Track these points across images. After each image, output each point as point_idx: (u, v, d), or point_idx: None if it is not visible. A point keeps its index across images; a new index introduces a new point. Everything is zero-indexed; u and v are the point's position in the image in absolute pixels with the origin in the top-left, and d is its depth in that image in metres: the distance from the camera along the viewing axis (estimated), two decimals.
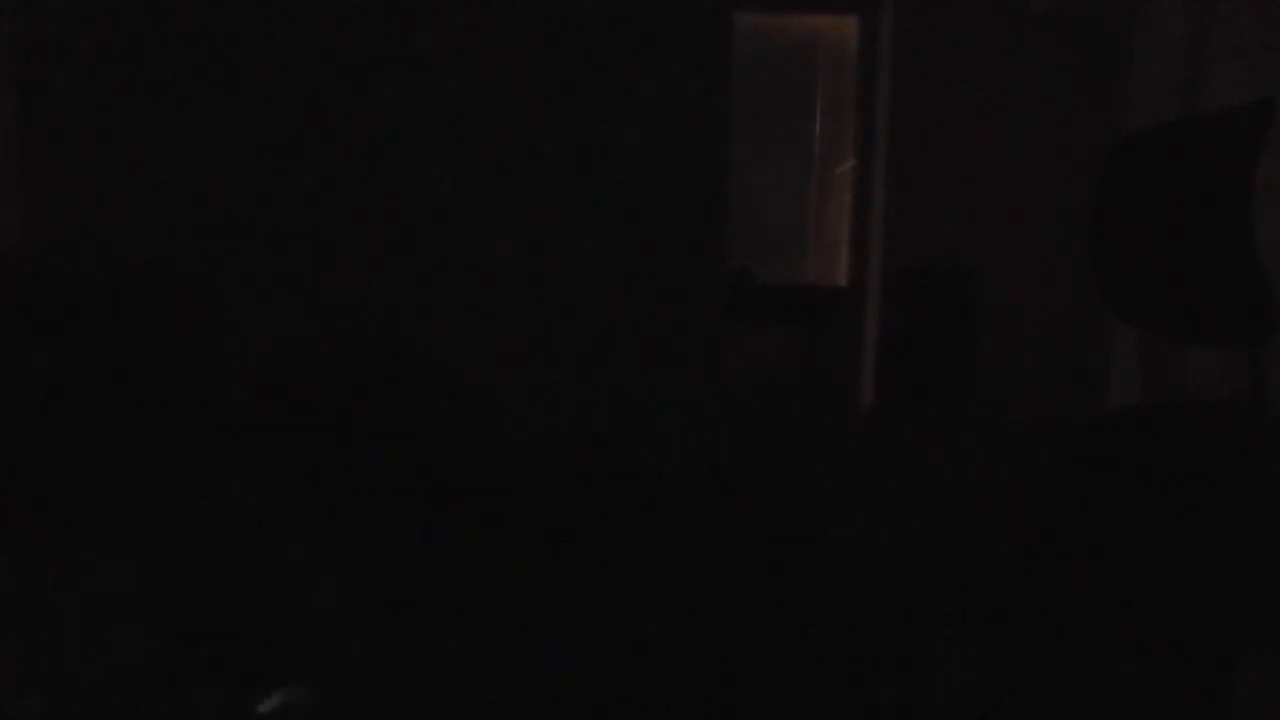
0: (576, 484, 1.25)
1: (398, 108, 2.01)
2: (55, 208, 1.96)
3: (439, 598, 1.18)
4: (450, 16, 2.00)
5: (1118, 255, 1.08)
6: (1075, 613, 1.00)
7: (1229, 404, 0.97)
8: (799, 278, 3.94)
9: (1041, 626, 1.02)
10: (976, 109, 3.66)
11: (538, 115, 2.04)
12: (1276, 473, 0.92)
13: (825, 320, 3.69)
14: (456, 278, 2.04)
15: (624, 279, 2.07)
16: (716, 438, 2.09)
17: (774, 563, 1.20)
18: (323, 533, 1.18)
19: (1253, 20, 2.80)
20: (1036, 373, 3.72)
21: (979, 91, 3.66)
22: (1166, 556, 0.96)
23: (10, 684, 1.38)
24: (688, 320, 2.08)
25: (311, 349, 1.19)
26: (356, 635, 1.19)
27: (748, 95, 3.84)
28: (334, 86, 1.99)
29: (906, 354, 2.86)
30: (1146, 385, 3.28)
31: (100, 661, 1.41)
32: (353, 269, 2.02)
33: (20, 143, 1.94)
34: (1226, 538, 0.94)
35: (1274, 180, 2.59)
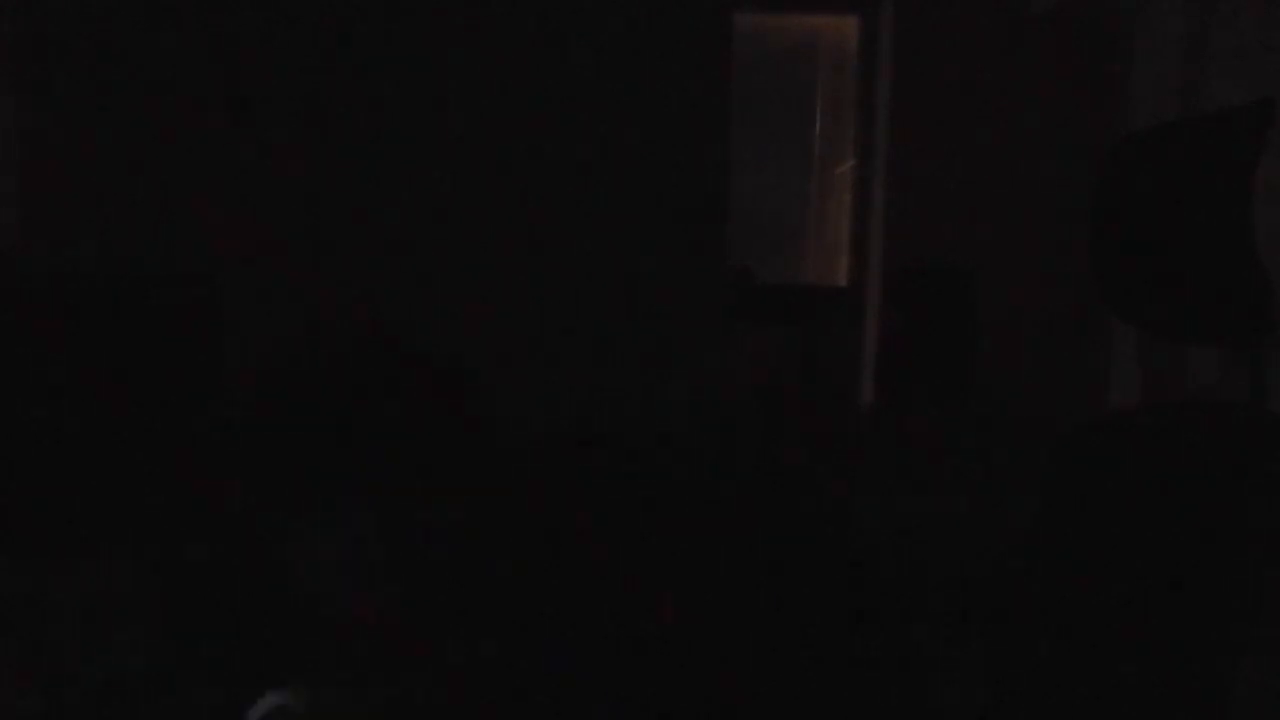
0: (576, 483, 1.25)
1: (398, 108, 2.01)
2: (55, 208, 1.96)
3: (439, 597, 1.18)
4: (451, 17, 2.00)
5: (1118, 255, 1.08)
6: (1075, 613, 1.00)
7: (1229, 404, 0.97)
8: (799, 278, 3.94)
9: (1042, 626, 1.02)
10: (976, 109, 3.66)
11: (538, 115, 2.04)
12: (1276, 473, 0.92)
13: (825, 320, 3.69)
14: (456, 277, 2.04)
15: (624, 279, 2.07)
16: (716, 438, 2.09)
17: (774, 562, 1.20)
18: (323, 530, 1.18)
19: (1253, 20, 2.80)
20: (1036, 373, 3.72)
21: (979, 91, 3.66)
22: (1166, 556, 0.96)
23: (10, 684, 1.38)
24: (688, 320, 2.08)
25: (315, 341, 1.19)
26: (356, 635, 1.19)
27: (748, 95, 3.84)
28: (334, 86, 1.99)
29: (906, 354, 2.86)
30: (1146, 385, 3.28)
31: (100, 661, 1.41)
32: (352, 269, 2.02)
33: (20, 143, 1.94)
34: (1226, 538, 0.94)
35: (1274, 180, 2.59)
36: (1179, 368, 3.13)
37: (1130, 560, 0.97)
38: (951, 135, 3.67)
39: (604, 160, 2.05)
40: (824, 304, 3.29)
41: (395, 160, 2.02)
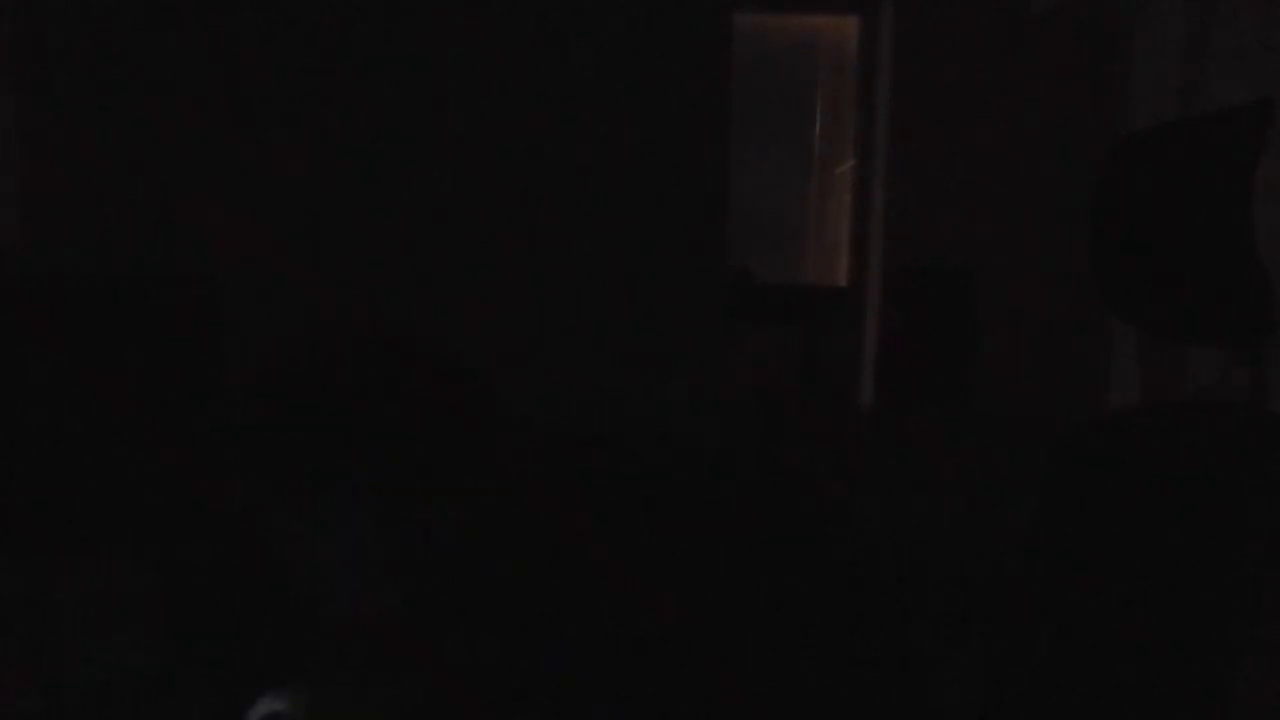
0: (576, 483, 1.25)
1: (398, 108, 2.01)
2: (55, 208, 1.96)
3: (439, 597, 1.18)
4: (451, 17, 2.00)
5: (1118, 255, 1.08)
6: (1075, 613, 1.00)
7: (1229, 404, 0.97)
8: (799, 278, 3.94)
9: (1042, 626, 1.02)
10: (976, 109, 3.66)
11: (538, 115, 2.04)
12: (1276, 473, 0.92)
13: (825, 320, 3.69)
14: (456, 277, 2.04)
15: (624, 279, 2.07)
16: (716, 438, 2.09)
17: (774, 562, 1.20)
18: (323, 530, 1.18)
19: (1253, 20, 2.80)
20: (1036, 373, 3.72)
21: (979, 91, 3.66)
22: (1166, 556, 0.96)
23: (10, 684, 1.38)
24: (688, 320, 2.08)
25: (315, 340, 1.19)
26: (356, 635, 1.19)
27: (748, 95, 3.84)
28: (334, 87, 1.99)
29: (906, 354, 2.86)
30: (1146, 385, 3.28)
31: (100, 661, 1.41)
32: (352, 269, 2.02)
33: (20, 143, 1.94)
34: (1226, 538, 0.94)
35: (1274, 180, 2.59)
36: (1179, 368, 3.13)
37: (1130, 560, 0.97)
38: (951, 135, 3.67)
39: (604, 160, 2.05)
40: (824, 304, 3.29)
41: (395, 160, 2.02)
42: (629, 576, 1.16)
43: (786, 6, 3.77)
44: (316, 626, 1.23)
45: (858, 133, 3.83)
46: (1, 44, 1.93)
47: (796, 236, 3.92)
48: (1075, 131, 3.67)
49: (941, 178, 3.68)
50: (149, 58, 1.95)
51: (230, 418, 1.51)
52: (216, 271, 1.99)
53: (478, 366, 1.25)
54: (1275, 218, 2.59)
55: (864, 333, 3.90)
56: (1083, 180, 3.69)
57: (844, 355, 3.89)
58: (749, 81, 3.82)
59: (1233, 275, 0.97)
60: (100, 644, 1.43)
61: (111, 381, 1.47)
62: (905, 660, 1.19)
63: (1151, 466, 0.96)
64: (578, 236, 2.06)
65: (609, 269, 2.07)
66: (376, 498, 1.15)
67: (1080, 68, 3.64)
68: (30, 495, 1.45)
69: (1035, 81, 3.65)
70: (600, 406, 2.06)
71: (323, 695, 1.15)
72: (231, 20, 1.96)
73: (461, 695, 1.15)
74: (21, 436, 1.45)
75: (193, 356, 1.49)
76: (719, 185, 2.07)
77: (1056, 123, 3.67)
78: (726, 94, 2.07)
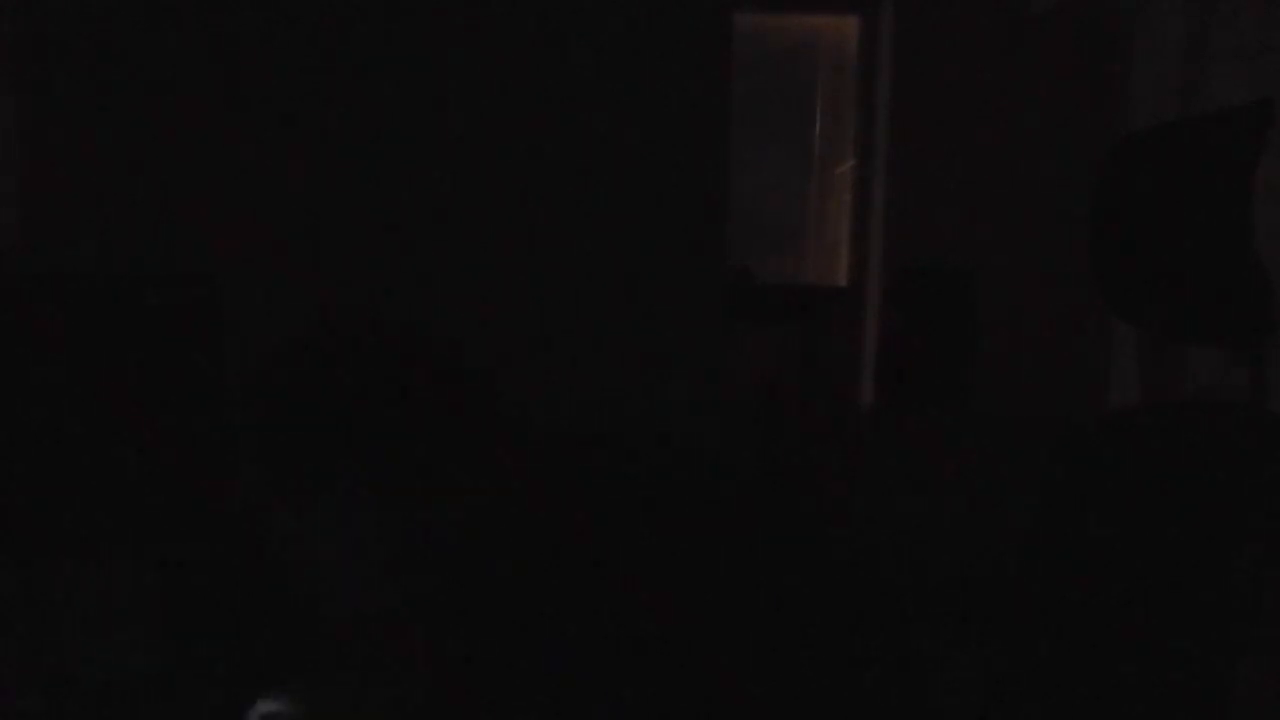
0: (575, 483, 1.25)
1: (397, 107, 2.01)
2: (55, 208, 1.96)
3: (439, 597, 1.18)
4: (450, 16, 2.00)
5: (1118, 255, 1.08)
6: (1075, 613, 1.00)
7: (1229, 404, 0.97)
8: (799, 278, 3.94)
9: (1041, 627, 1.02)
10: (976, 109, 3.66)
11: (538, 115, 2.04)
12: (1276, 473, 0.92)
13: (825, 320, 3.69)
14: (455, 277, 2.04)
15: (624, 279, 2.07)
16: (716, 438, 2.09)
17: (773, 562, 1.20)
18: (323, 530, 1.18)
19: (1253, 20, 2.80)
20: (1036, 373, 3.72)
21: (979, 91, 3.66)
22: (1167, 557, 0.96)
23: (10, 684, 1.38)
24: (688, 320, 2.08)
25: (316, 338, 1.19)
26: (356, 635, 1.19)
27: (748, 95, 3.84)
28: (334, 86, 1.99)
29: (906, 354, 2.86)
30: (1146, 385, 3.28)
31: (100, 661, 1.41)
32: (352, 270, 2.02)
33: (20, 143, 1.94)
34: (1226, 538, 0.94)
35: (1274, 180, 2.59)
36: (1179, 368, 3.13)
37: (1130, 560, 0.97)
38: (951, 135, 3.67)
39: (604, 160, 2.05)
40: (824, 304, 3.29)
41: (395, 160, 2.02)
42: (629, 577, 1.16)
43: (786, 6, 3.77)
44: (316, 626, 1.23)
45: (858, 133, 3.83)
46: (1, 44, 1.93)
47: (796, 236, 3.92)
48: (1075, 131, 3.67)
49: (941, 178, 3.68)
50: (149, 58, 1.95)
51: (230, 418, 1.51)
52: (216, 271, 1.99)
53: (478, 366, 1.25)
54: (1275, 218, 2.59)
55: (864, 333, 3.90)
56: (1083, 180, 3.69)
57: (844, 355, 3.89)
58: (749, 81, 3.82)
59: (1233, 275, 0.97)
60: (100, 644, 1.43)
61: (111, 381, 1.47)
62: (905, 660, 1.19)
63: (1151, 466, 0.96)
64: (578, 236, 2.06)
65: (609, 269, 2.07)
66: (376, 497, 1.15)
67: (1080, 68, 3.64)
68: (30, 495, 1.45)
69: (1035, 81, 3.65)
70: (600, 406, 2.06)
71: (323, 695, 1.15)
72: (231, 20, 1.96)
73: (461, 695, 1.15)
74: (21, 436, 1.45)
75: (193, 356, 1.49)
76: (719, 185, 2.07)
77: (1056, 123, 3.67)
78: (726, 94, 2.07)
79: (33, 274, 1.47)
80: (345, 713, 1.14)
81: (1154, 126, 1.08)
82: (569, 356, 2.07)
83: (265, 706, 1.14)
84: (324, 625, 1.21)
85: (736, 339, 3.76)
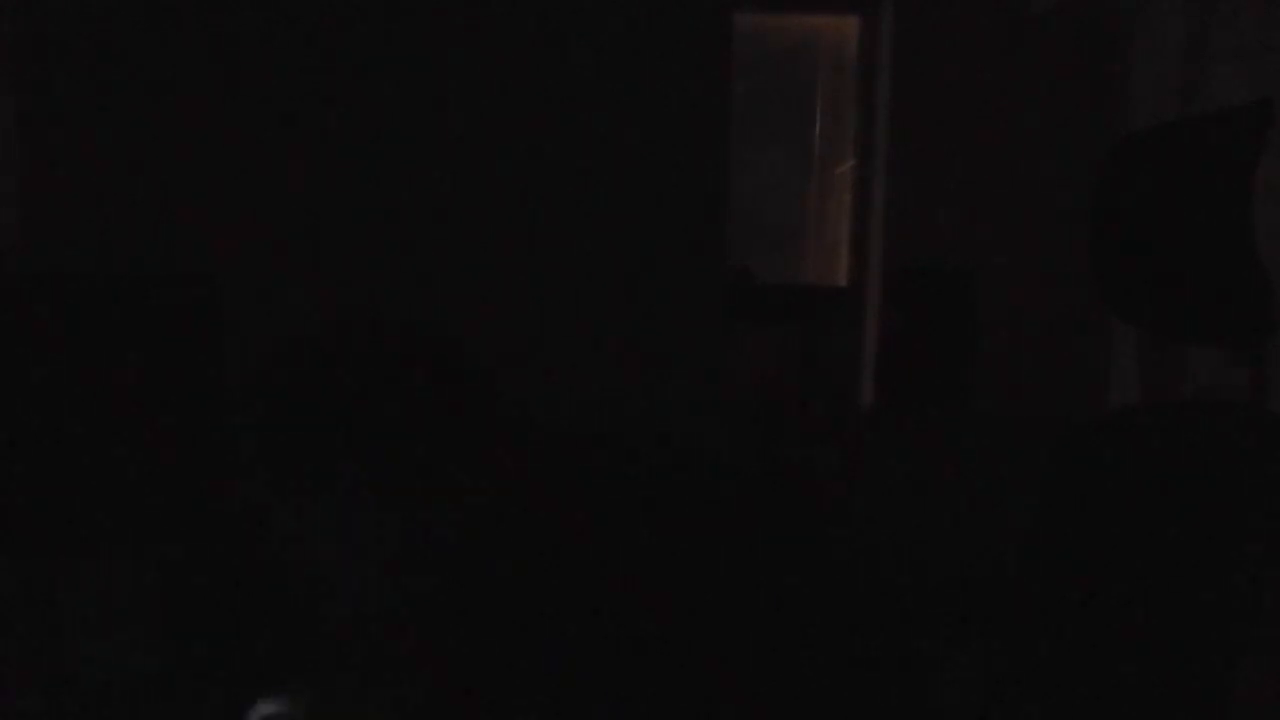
0: (576, 483, 1.25)
1: (397, 107, 2.01)
2: (55, 208, 1.96)
3: (439, 597, 1.18)
4: (450, 16, 2.00)
5: (1118, 255, 1.08)
6: (1075, 613, 1.00)
7: (1229, 404, 0.97)
8: (799, 278, 3.94)
9: (1041, 627, 1.02)
10: (976, 109, 3.66)
11: (538, 115, 2.04)
12: (1276, 473, 0.92)
13: (825, 320, 3.69)
14: (455, 277, 2.04)
15: (624, 279, 2.07)
16: (716, 438, 2.09)
17: (773, 562, 1.20)
18: (324, 530, 1.18)
19: (1253, 20, 2.80)
20: (1036, 373, 3.72)
21: (979, 91, 3.66)
22: (1166, 557, 0.96)
23: (10, 684, 1.38)
24: (688, 320, 2.08)
25: (316, 337, 1.19)
26: (357, 635, 1.19)
27: (748, 95, 3.83)
28: (334, 86, 1.99)
29: (906, 354, 2.86)
30: (1146, 385, 3.28)
31: (100, 661, 1.41)
32: (352, 270, 2.02)
33: (20, 143, 1.94)
34: (1226, 538, 0.94)
35: (1274, 180, 2.59)
36: (1179, 368, 3.12)
37: (1130, 560, 0.97)
38: (951, 135, 3.67)
39: (604, 160, 2.05)
40: (824, 304, 3.29)
41: (395, 160, 2.02)
42: (628, 577, 1.16)
43: (786, 6, 3.77)
44: (316, 626, 1.23)
45: (858, 133, 3.83)
46: (1, 44, 1.93)
47: (796, 236, 3.92)
48: (1075, 131, 3.66)
49: (941, 178, 3.68)
50: (149, 58, 1.95)
51: (230, 418, 1.51)
52: (216, 271, 1.99)
53: (478, 366, 1.25)
54: (1275, 218, 2.59)
55: (864, 333, 3.90)
56: (1083, 180, 3.69)
57: (844, 355, 3.89)
58: (749, 81, 3.82)
59: (1233, 275, 0.97)
60: (100, 644, 1.43)
61: (111, 381, 1.47)
62: (905, 660, 1.19)
63: (1151, 466, 0.96)
64: (578, 236, 2.06)
65: (609, 269, 2.07)
66: (376, 498, 1.15)
67: (1080, 68, 3.63)
68: (30, 495, 1.45)
69: (1035, 81, 3.64)
70: (600, 406, 2.06)
71: (323, 695, 1.15)
72: (231, 20, 1.96)
73: (461, 695, 1.14)
74: (21, 436, 1.45)
75: (193, 356, 1.49)
76: (719, 185, 2.07)
77: (1056, 123, 3.67)
78: (726, 94, 2.07)
79: (33, 274, 1.47)
80: (345, 713, 1.14)
81: (1154, 126, 1.08)
82: (569, 356, 2.07)
83: (265, 707, 1.13)
84: (324, 625, 1.21)
85: (736, 339, 3.76)
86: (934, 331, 2.85)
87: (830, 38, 3.85)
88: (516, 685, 1.14)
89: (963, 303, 2.88)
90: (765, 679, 1.15)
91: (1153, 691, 0.96)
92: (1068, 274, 3.69)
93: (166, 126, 1.96)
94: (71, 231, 1.96)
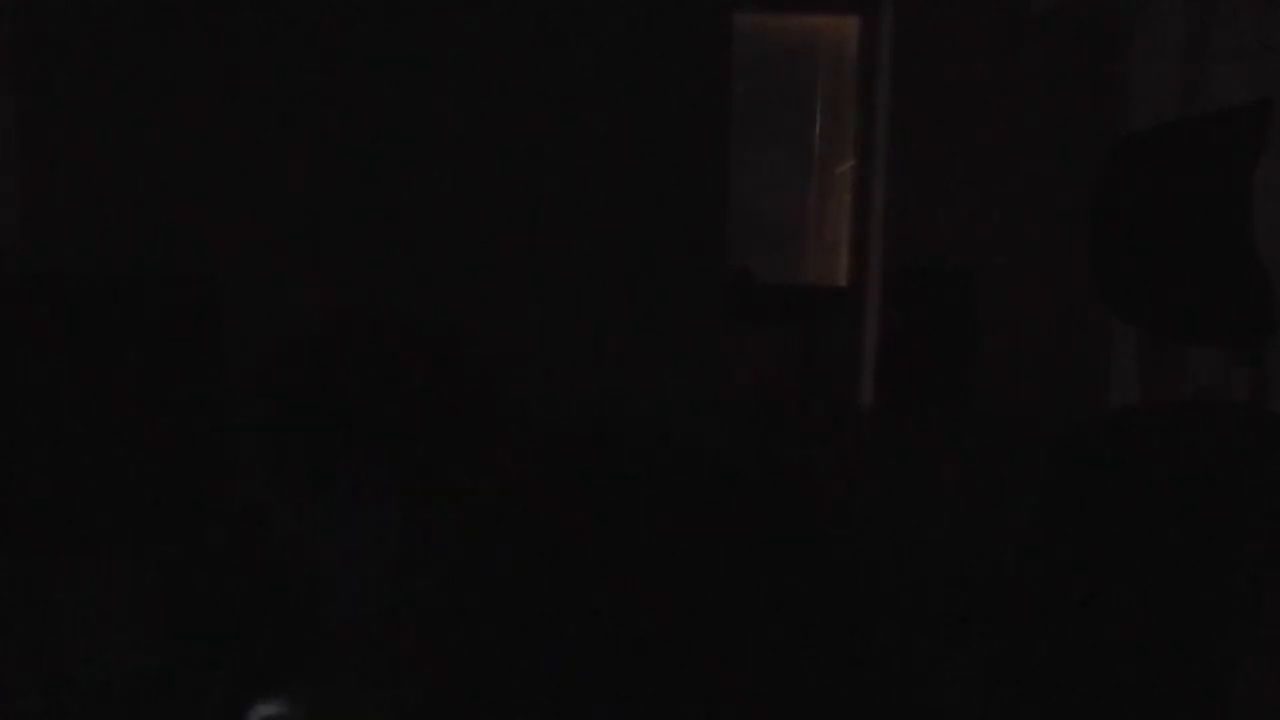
0: (576, 483, 1.25)
1: (397, 107, 2.01)
2: (55, 208, 1.96)
3: (439, 597, 1.18)
4: (451, 16, 2.00)
5: (1118, 255, 1.08)
6: (1075, 613, 1.00)
7: (1229, 404, 0.97)
8: (799, 278, 3.94)
9: (1042, 627, 1.02)
10: (976, 109, 3.66)
11: (538, 115, 2.04)
12: (1277, 473, 0.92)
13: (825, 320, 3.69)
14: (455, 277, 2.04)
15: (624, 278, 2.07)
16: (716, 438, 2.09)
17: (773, 562, 1.20)
18: (324, 530, 1.18)
19: (1253, 20, 2.80)
20: (1036, 373, 3.72)
21: (979, 91, 3.66)
22: (1166, 557, 0.96)
23: (10, 684, 1.38)
24: (688, 320, 2.08)
25: (316, 337, 1.19)
26: (357, 635, 1.19)
27: (748, 95, 3.83)
28: (334, 86, 1.99)
29: (906, 354, 2.86)
30: (1146, 385, 3.28)
31: (100, 661, 1.41)
32: (353, 269, 2.02)
33: (20, 143, 1.94)
34: (1226, 538, 0.94)
35: (1274, 180, 2.59)
36: (1179, 368, 3.13)
37: (1130, 560, 0.97)
38: (951, 135, 3.67)
39: (604, 160, 2.05)
40: (824, 304, 3.29)
41: (395, 160, 2.02)
42: (628, 576, 1.16)
43: (786, 6, 3.77)
44: (316, 626, 1.23)
45: (858, 133, 3.83)
46: (1, 44, 1.93)
47: (796, 236, 3.92)
48: (1075, 131, 3.67)
49: (941, 178, 3.68)
50: (149, 58, 1.95)
51: (230, 417, 1.51)
52: (216, 271, 1.99)
53: (479, 365, 1.25)
54: (1275, 218, 2.59)
55: (864, 333, 3.90)
56: (1083, 180, 3.69)
57: (844, 355, 3.89)
58: (749, 81, 3.82)
59: (1233, 275, 0.97)
60: (100, 644, 1.43)
61: (111, 381, 1.47)
62: (905, 660, 1.19)
63: (1151, 466, 0.96)
64: (578, 236, 2.06)
65: (609, 268, 2.07)
66: (378, 497, 1.15)
67: (1080, 68, 3.64)
68: (30, 495, 1.45)
69: (1035, 81, 3.64)
70: (600, 405, 2.06)
71: (323, 696, 1.15)
72: (231, 20, 1.96)
73: (462, 695, 1.15)
74: (21, 436, 1.45)
75: (193, 356, 1.49)
76: (719, 185, 2.07)
77: (1056, 123, 3.67)
78: (726, 94, 2.07)
79: (33, 274, 1.47)
80: (345, 713, 1.14)
81: (1154, 126, 1.08)
82: (569, 356, 2.07)
83: (265, 708, 1.14)
84: (324, 625, 1.21)
85: (736, 339, 3.76)
86: (934, 331, 2.85)
87: (830, 38, 3.85)
88: (516, 685, 1.14)
89: (963, 303, 2.88)
90: (765, 679, 1.15)
91: (1153, 691, 0.96)
92: (1068, 274, 3.70)
93: (166, 126, 1.96)
94: (71, 231, 1.96)
